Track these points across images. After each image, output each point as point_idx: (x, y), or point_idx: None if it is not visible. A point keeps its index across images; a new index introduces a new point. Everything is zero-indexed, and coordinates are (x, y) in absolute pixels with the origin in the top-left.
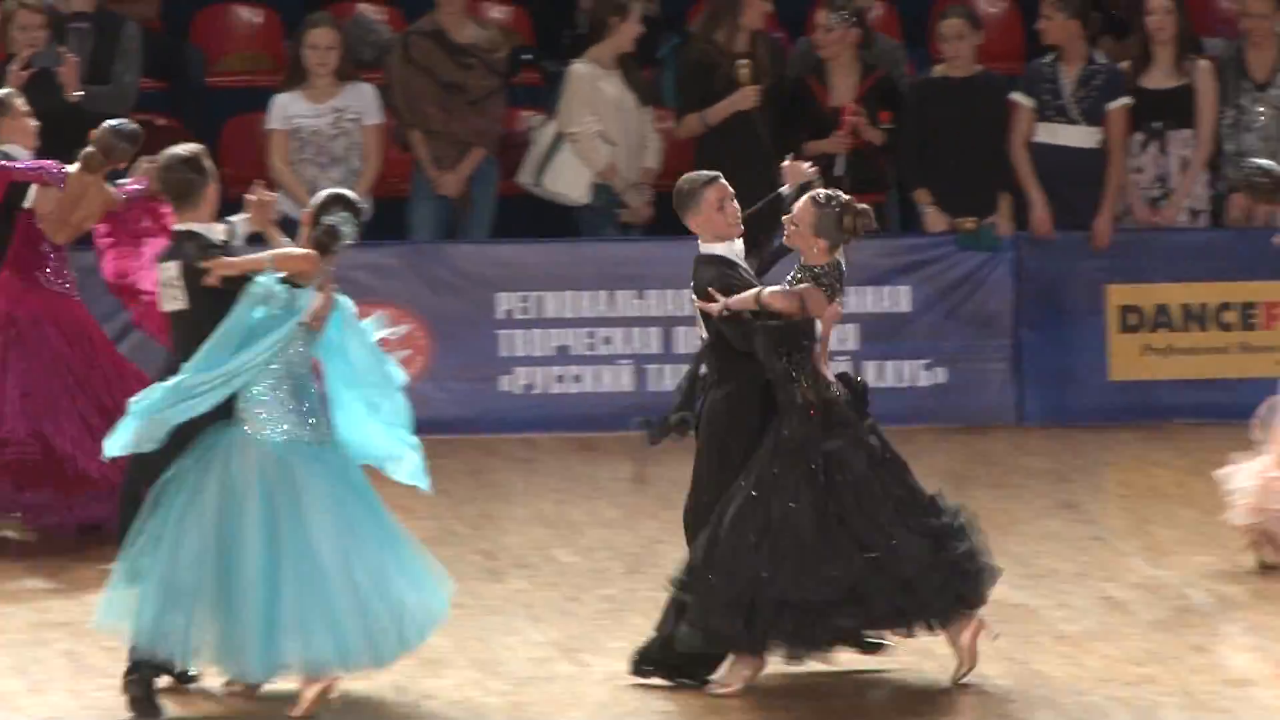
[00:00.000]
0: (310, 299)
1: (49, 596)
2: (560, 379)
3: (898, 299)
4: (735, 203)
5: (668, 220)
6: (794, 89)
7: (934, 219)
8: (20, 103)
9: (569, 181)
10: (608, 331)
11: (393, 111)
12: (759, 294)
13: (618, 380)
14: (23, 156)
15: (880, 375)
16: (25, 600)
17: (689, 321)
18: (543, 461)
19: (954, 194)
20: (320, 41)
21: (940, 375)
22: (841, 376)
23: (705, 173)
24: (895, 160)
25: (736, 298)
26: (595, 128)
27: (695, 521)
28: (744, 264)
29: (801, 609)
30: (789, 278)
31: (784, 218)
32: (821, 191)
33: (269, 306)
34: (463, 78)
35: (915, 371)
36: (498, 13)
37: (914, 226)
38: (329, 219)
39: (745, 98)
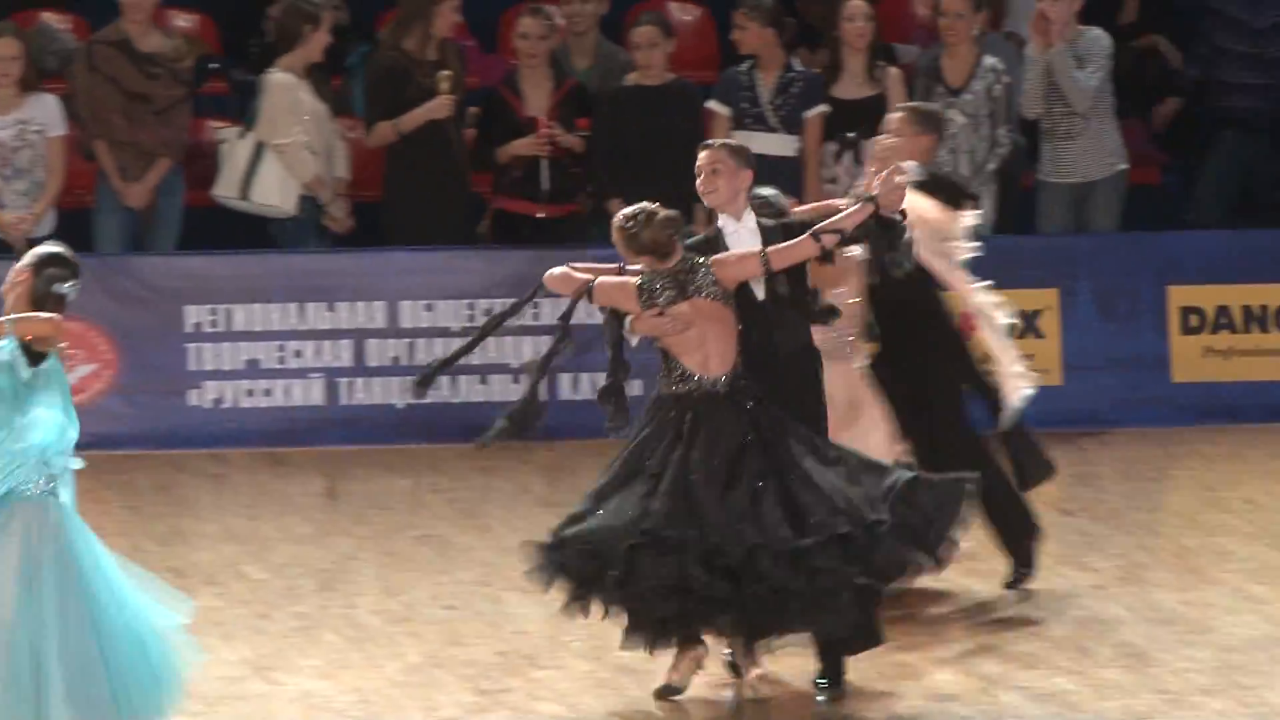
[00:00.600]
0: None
1: None
2: (250, 393)
3: (593, 310)
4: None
5: (361, 232)
6: (487, 99)
7: None
8: None
9: (276, 193)
10: (298, 344)
11: (77, 122)
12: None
13: (309, 394)
14: None
15: (575, 387)
16: None
17: (379, 334)
18: (233, 477)
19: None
20: (4, 52)
21: (636, 387)
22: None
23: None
24: (592, 169)
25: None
26: (302, 138)
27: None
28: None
29: None
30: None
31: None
32: (621, 213)
33: (11, 377)
34: (148, 87)
35: (598, 383)
36: (183, 21)
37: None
38: (57, 286)
39: (441, 106)
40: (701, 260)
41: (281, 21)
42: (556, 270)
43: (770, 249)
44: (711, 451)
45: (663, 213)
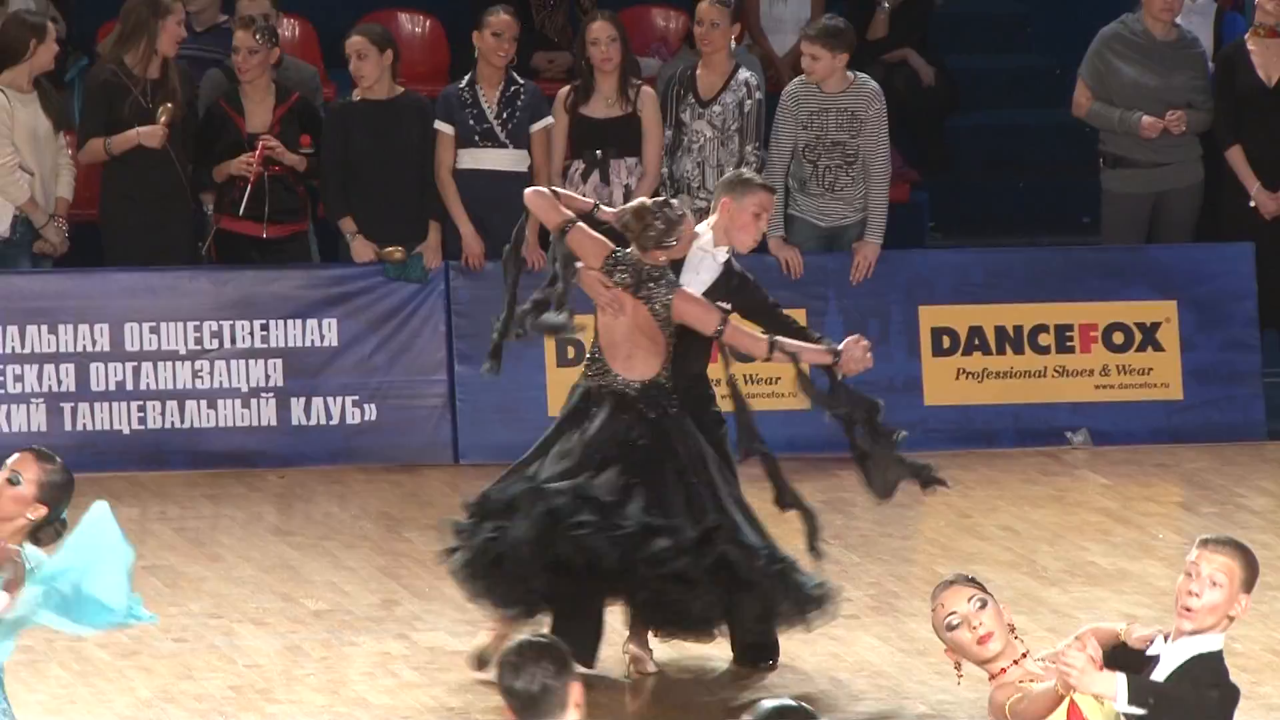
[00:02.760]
0: None
1: None
2: None
3: (325, 332)
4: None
5: (82, 252)
6: (208, 117)
7: (360, 248)
8: None
9: None
10: (18, 368)
11: None
12: None
13: (31, 419)
14: None
15: (307, 412)
16: None
17: (105, 357)
18: None
19: (380, 222)
20: None
21: (370, 412)
22: None
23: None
24: (318, 187)
25: None
26: (14, 159)
27: None
28: None
29: None
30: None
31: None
32: (659, 200)
33: None
34: None
35: (345, 408)
36: None
37: (340, 256)
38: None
39: (152, 135)
40: (673, 280)
41: (3, 34)
42: (542, 192)
43: (730, 323)
44: (597, 437)
45: (684, 220)
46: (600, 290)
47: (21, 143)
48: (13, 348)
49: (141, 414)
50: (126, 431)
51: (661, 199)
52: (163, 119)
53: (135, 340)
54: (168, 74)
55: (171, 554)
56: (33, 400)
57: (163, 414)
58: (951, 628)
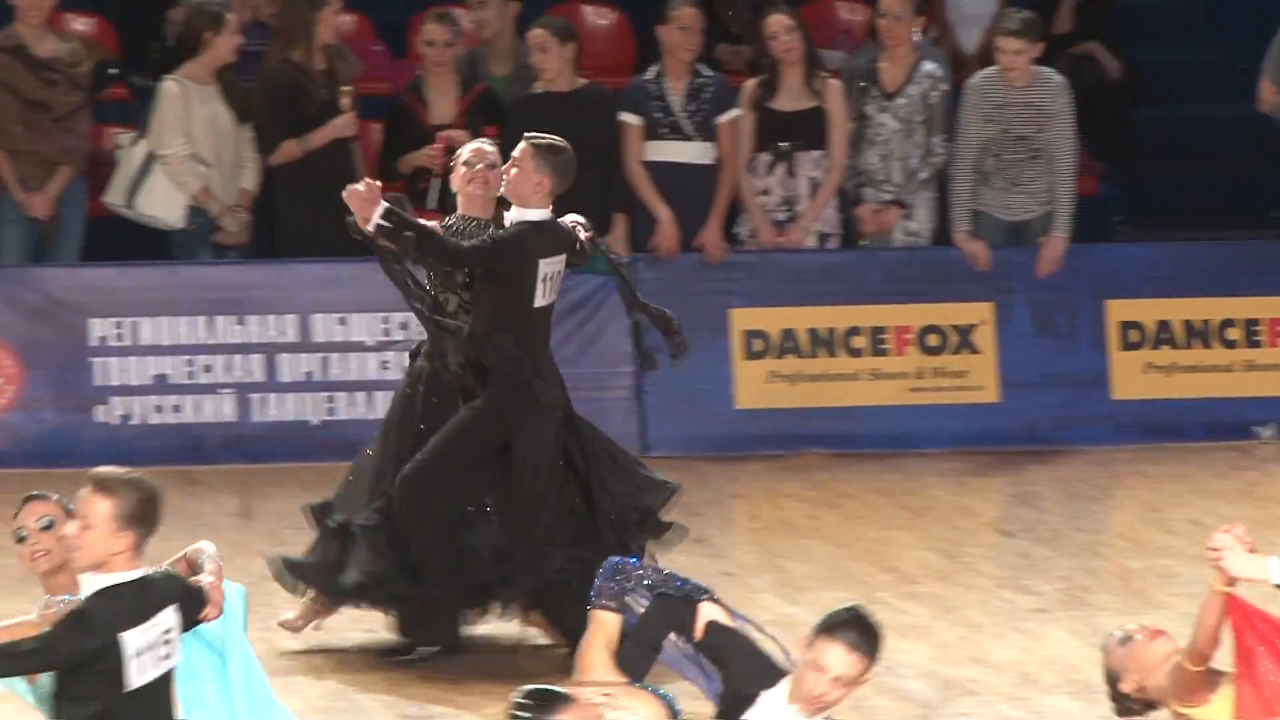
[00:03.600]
0: None
1: None
2: (159, 409)
3: None
4: None
5: (261, 242)
6: (391, 107)
7: None
8: None
9: (163, 204)
10: (208, 359)
11: None
12: None
13: (220, 410)
14: None
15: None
16: None
17: (291, 348)
18: None
19: (565, 214)
20: None
21: None
22: None
23: None
24: None
25: None
26: (186, 150)
27: None
28: None
29: None
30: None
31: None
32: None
33: None
34: (46, 94)
35: None
36: (81, 24)
37: None
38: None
39: (347, 125)
40: None
41: (184, 25)
42: None
43: None
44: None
45: None
46: None
47: (200, 135)
48: (202, 338)
49: (330, 404)
50: (315, 422)
51: None
52: (345, 101)
53: (323, 331)
54: (332, 60)
55: None
56: (222, 390)
57: (352, 404)
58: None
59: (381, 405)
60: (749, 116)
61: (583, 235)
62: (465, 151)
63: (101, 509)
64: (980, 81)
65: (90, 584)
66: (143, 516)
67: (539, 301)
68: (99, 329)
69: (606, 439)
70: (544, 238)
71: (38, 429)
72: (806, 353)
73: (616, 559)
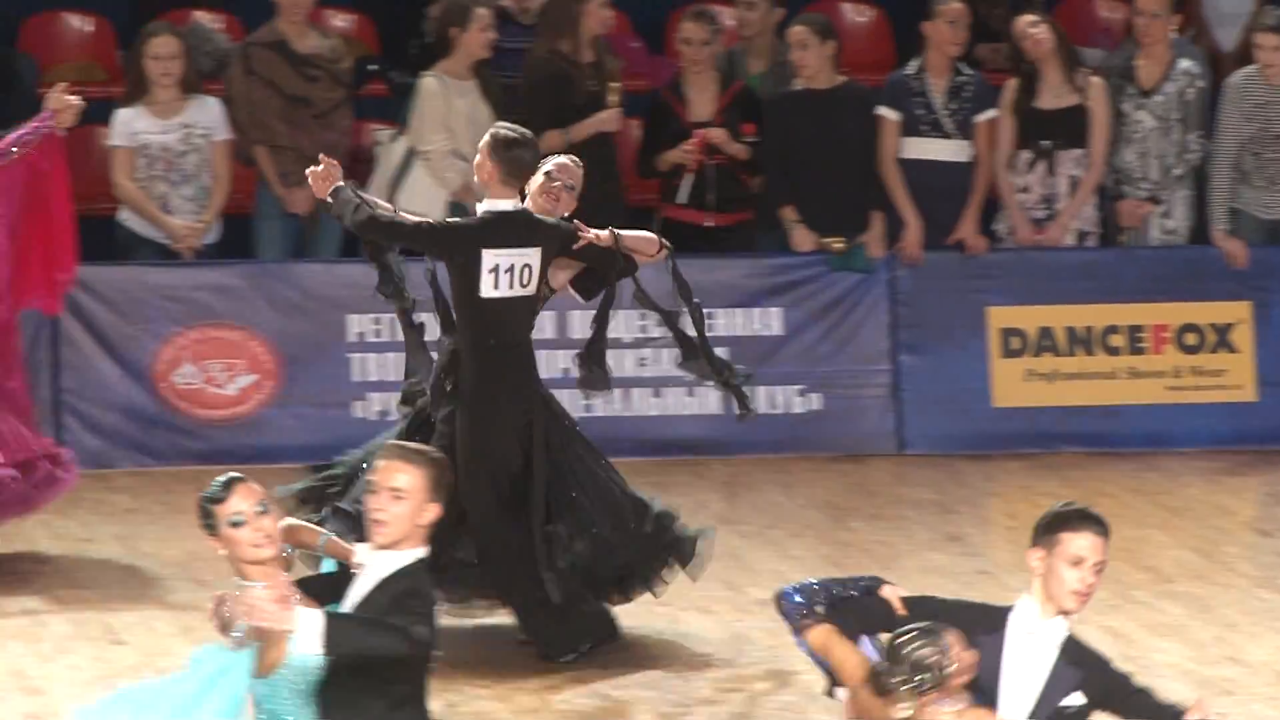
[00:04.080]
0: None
1: None
2: None
3: (769, 321)
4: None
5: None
6: (651, 104)
7: (801, 237)
8: None
9: (423, 200)
10: None
11: (235, 126)
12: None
13: None
14: None
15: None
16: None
17: (551, 345)
18: None
19: (822, 211)
20: (163, 51)
21: (815, 401)
22: None
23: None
24: (762, 176)
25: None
26: (447, 146)
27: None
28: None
29: None
30: None
31: (553, 184)
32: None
33: None
34: (307, 90)
35: (789, 397)
36: (341, 21)
37: (783, 246)
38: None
39: (611, 119)
40: None
41: (440, 21)
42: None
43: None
44: None
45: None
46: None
47: (458, 129)
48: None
49: (587, 401)
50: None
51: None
52: (613, 97)
53: (581, 328)
54: (600, 54)
55: None
56: None
57: (608, 402)
58: None
59: (638, 402)
60: (1008, 117)
61: (592, 235)
62: (552, 162)
63: (415, 480)
64: (1240, 80)
65: (387, 561)
66: (444, 489)
67: (486, 292)
68: (357, 325)
69: (601, 463)
70: (498, 228)
71: (296, 424)
72: (1064, 351)
73: (796, 584)
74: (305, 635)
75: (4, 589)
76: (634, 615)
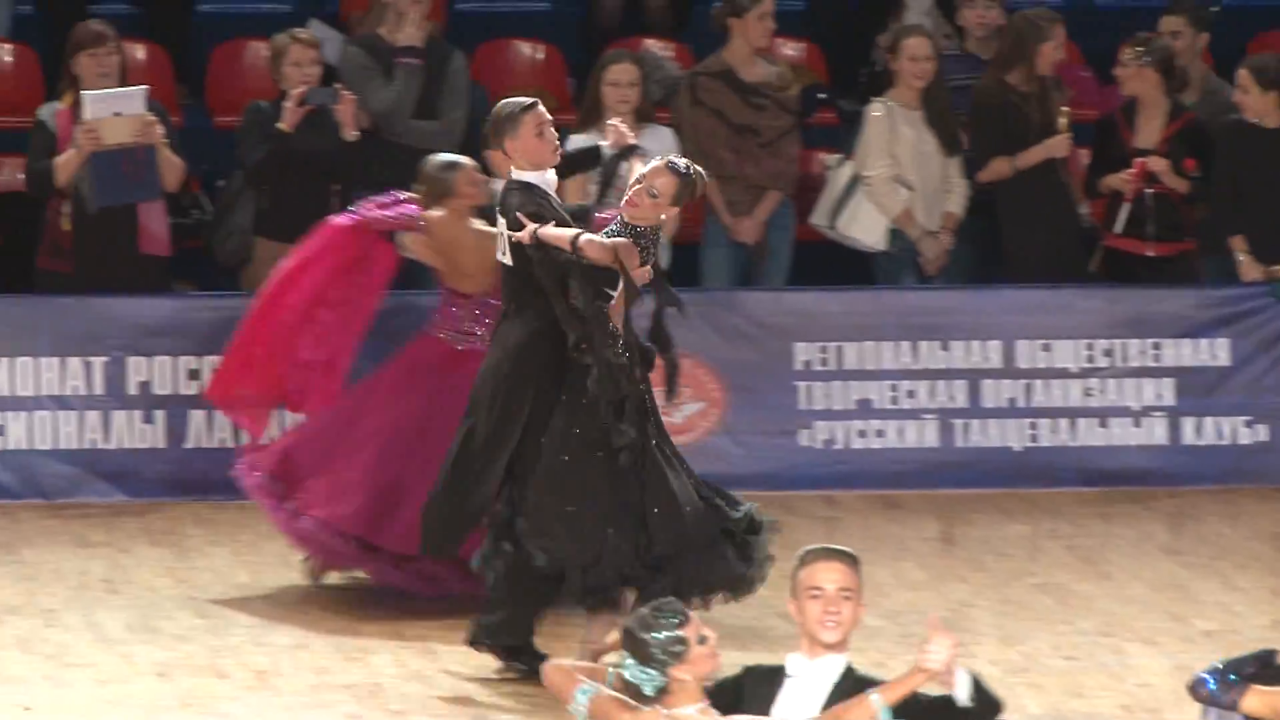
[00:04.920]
0: None
1: (330, 657)
2: (863, 433)
3: (1216, 352)
4: (553, 130)
5: (966, 266)
6: (1101, 127)
7: (1249, 268)
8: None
9: (864, 226)
10: (911, 384)
11: (682, 155)
12: (576, 236)
13: (922, 435)
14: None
15: (1199, 432)
16: (306, 661)
17: (997, 374)
18: (845, 520)
19: (1271, 243)
20: (621, 78)
21: (1262, 433)
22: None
23: (522, 98)
24: (1208, 207)
25: (550, 230)
26: (890, 172)
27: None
28: (554, 195)
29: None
30: (607, 230)
31: (634, 186)
32: (680, 161)
33: None
34: (754, 119)
35: (1235, 428)
36: (790, 49)
37: (1224, 275)
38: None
39: (1061, 145)
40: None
41: (888, 50)
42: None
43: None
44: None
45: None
46: (644, 274)
47: (904, 157)
48: (905, 363)
49: (1033, 431)
50: (1017, 448)
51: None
52: (1063, 122)
53: (1027, 357)
54: (1047, 86)
55: (1062, 571)
56: (924, 416)
57: (1054, 431)
58: None
59: (1084, 433)
60: None
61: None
62: (648, 166)
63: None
64: None
65: (832, 665)
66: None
67: (500, 256)
68: (803, 353)
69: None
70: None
71: (742, 453)
72: None
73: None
74: None
75: None
76: (1074, 647)
